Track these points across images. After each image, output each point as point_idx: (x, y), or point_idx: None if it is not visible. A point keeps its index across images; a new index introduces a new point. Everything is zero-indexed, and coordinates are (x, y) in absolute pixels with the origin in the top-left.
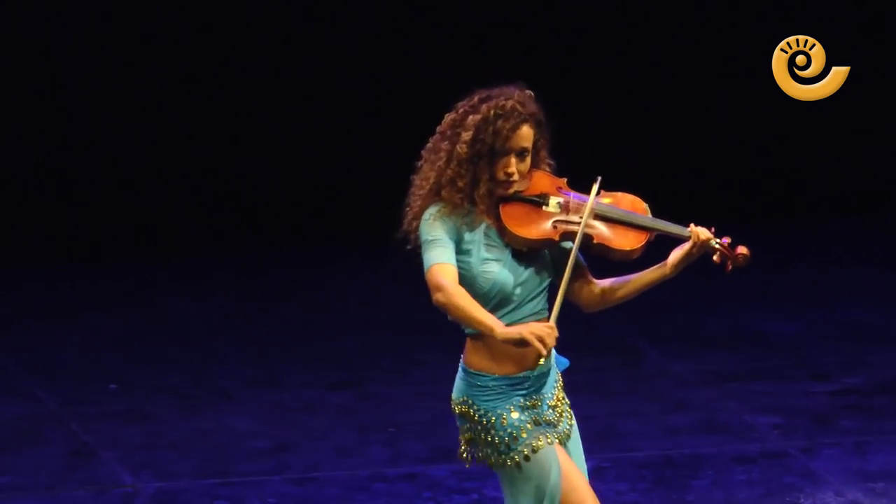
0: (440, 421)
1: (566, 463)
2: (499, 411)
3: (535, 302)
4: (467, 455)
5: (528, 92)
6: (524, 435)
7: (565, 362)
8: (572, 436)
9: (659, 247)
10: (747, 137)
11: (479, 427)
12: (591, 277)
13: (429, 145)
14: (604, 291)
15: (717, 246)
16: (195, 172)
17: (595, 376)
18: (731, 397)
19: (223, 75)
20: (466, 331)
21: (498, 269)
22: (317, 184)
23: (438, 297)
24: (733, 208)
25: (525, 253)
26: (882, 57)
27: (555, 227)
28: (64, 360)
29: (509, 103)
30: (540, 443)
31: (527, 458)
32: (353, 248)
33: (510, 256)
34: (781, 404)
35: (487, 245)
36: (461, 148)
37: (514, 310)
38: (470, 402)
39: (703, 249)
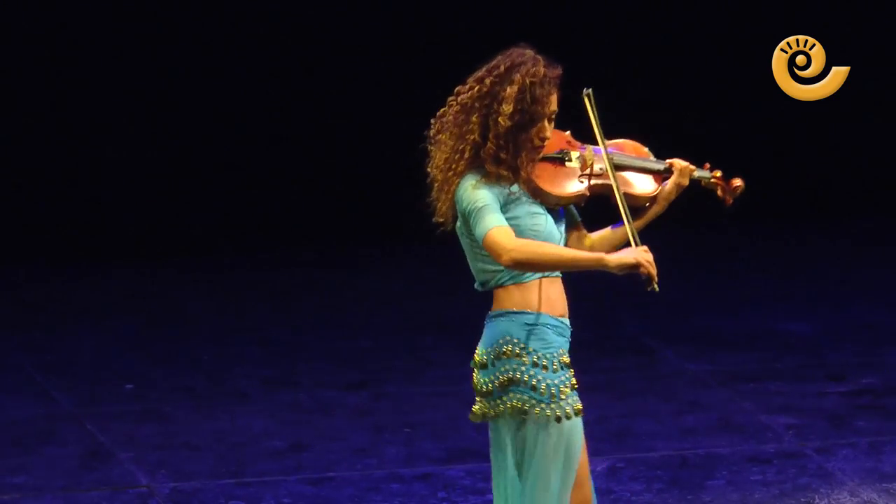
0: (455, 421)
1: (584, 445)
2: (551, 351)
3: None
4: (487, 410)
5: (536, 55)
6: (568, 391)
7: None
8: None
9: None
10: (762, 137)
11: (527, 367)
12: (584, 230)
13: (447, 118)
14: (599, 240)
15: (715, 181)
16: (212, 172)
17: (610, 376)
18: (747, 398)
19: (238, 73)
20: (501, 281)
21: (545, 222)
22: (333, 183)
23: (513, 255)
24: (749, 209)
25: (550, 209)
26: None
27: (582, 182)
28: (79, 360)
29: (541, 70)
30: (580, 406)
31: (568, 416)
32: (369, 248)
33: (546, 210)
34: (797, 405)
35: (530, 202)
36: (503, 121)
37: None
38: (514, 339)
39: (686, 178)
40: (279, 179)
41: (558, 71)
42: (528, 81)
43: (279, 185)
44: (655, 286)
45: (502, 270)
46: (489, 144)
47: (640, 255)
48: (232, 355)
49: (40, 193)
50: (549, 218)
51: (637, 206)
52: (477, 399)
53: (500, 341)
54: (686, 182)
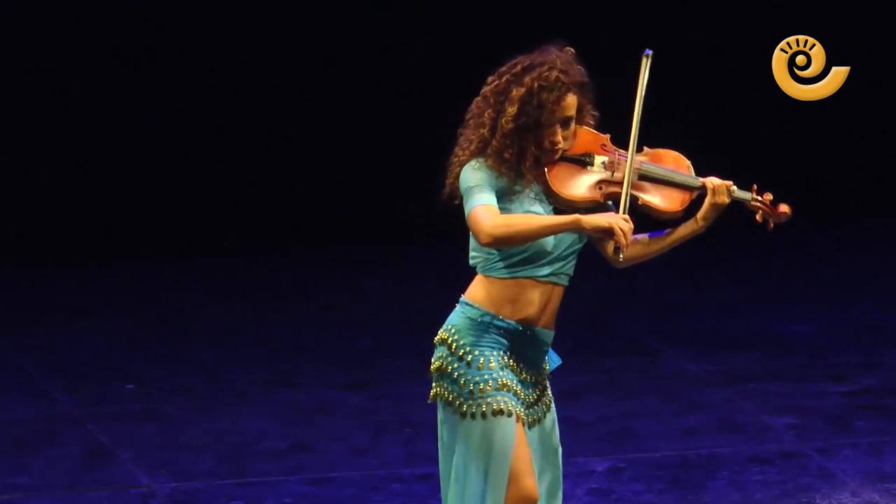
0: None
1: (521, 444)
2: (477, 351)
3: (561, 263)
4: (435, 390)
5: (569, 50)
6: (489, 391)
7: (557, 361)
8: (547, 420)
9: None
10: (762, 137)
11: (453, 359)
12: None
13: (472, 107)
14: (637, 245)
15: (758, 204)
16: (213, 172)
17: (612, 377)
18: (748, 398)
19: (238, 72)
20: (479, 268)
21: None
22: (334, 183)
23: (490, 232)
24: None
25: (563, 210)
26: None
27: (599, 189)
28: (80, 361)
29: (553, 74)
30: (503, 407)
31: (484, 415)
32: (370, 248)
33: (552, 213)
34: (798, 405)
35: (532, 199)
36: (506, 122)
37: (539, 266)
38: (455, 332)
39: (729, 199)
40: (280, 179)
41: (577, 77)
42: (536, 85)
43: (280, 185)
44: (622, 255)
45: (488, 258)
46: (495, 142)
47: (616, 219)
48: (233, 355)
49: (40, 194)
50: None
51: (659, 220)
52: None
53: (445, 327)
54: (725, 201)
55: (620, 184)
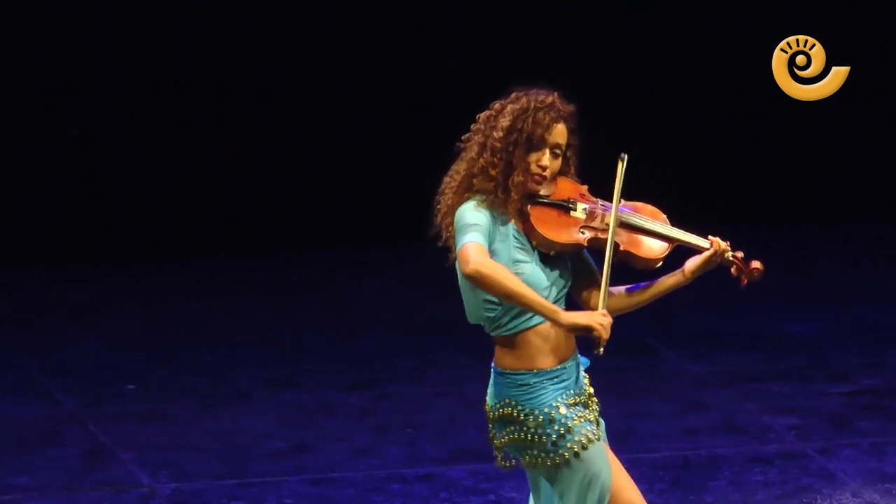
0: (458, 422)
1: (614, 461)
2: (545, 409)
3: (556, 305)
4: (505, 461)
5: (557, 93)
6: (573, 430)
7: (586, 361)
8: (604, 434)
9: (673, 255)
10: (766, 139)
11: (526, 427)
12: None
13: (462, 144)
14: (618, 298)
15: (732, 259)
16: (215, 173)
17: (613, 377)
18: (749, 398)
19: (240, 72)
20: (494, 333)
21: (530, 270)
22: (336, 184)
23: (480, 269)
24: (752, 210)
25: (549, 257)
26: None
27: (583, 233)
28: (82, 361)
29: (549, 98)
30: (590, 439)
31: (576, 454)
32: (372, 249)
33: (538, 259)
34: (799, 405)
35: (517, 247)
36: (497, 135)
37: (530, 313)
38: (513, 402)
39: (721, 260)
40: (282, 180)
41: (570, 108)
42: (532, 104)
43: (282, 185)
44: (601, 350)
45: (490, 318)
46: (482, 159)
47: (595, 318)
48: (234, 356)
49: (43, 195)
50: (536, 268)
51: (636, 267)
52: (494, 450)
53: (500, 404)
54: (716, 264)
55: (603, 230)
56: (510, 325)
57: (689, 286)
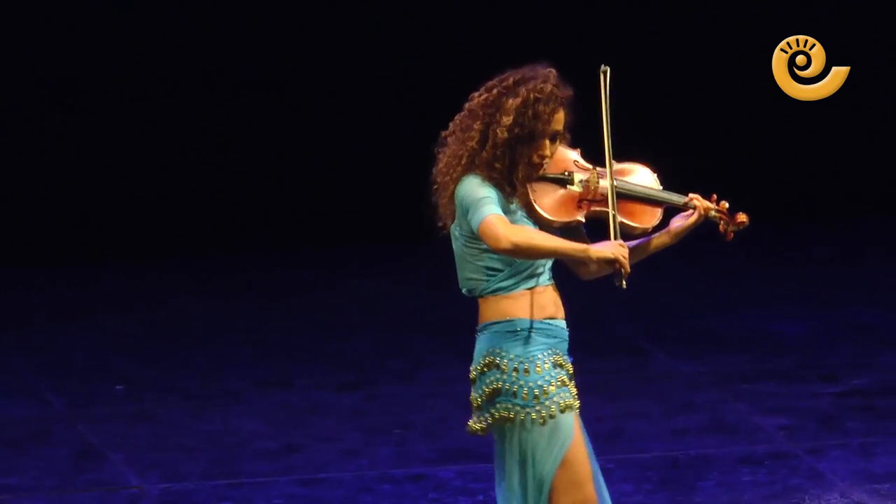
0: (447, 422)
1: (581, 446)
2: (529, 357)
3: (549, 273)
4: (479, 424)
5: (553, 71)
6: (553, 390)
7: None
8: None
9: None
10: (753, 139)
11: (507, 375)
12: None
13: (456, 121)
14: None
15: (717, 214)
16: (205, 174)
17: (602, 377)
18: (738, 398)
19: (232, 74)
20: (487, 294)
21: None
22: (326, 186)
23: (512, 239)
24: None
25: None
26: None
27: (580, 208)
28: (72, 362)
29: (548, 87)
30: (569, 405)
31: (552, 415)
32: (363, 250)
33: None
34: (788, 405)
35: (524, 217)
36: (501, 132)
37: (539, 274)
38: (500, 351)
39: (707, 218)
40: (272, 181)
41: (568, 92)
42: (532, 96)
43: (272, 186)
44: (623, 283)
45: (487, 279)
46: (485, 153)
47: (617, 249)
48: (224, 356)
49: (33, 196)
50: None
51: (631, 234)
52: (473, 414)
53: (485, 354)
54: (699, 223)
55: (600, 202)
56: (507, 287)
57: (680, 283)
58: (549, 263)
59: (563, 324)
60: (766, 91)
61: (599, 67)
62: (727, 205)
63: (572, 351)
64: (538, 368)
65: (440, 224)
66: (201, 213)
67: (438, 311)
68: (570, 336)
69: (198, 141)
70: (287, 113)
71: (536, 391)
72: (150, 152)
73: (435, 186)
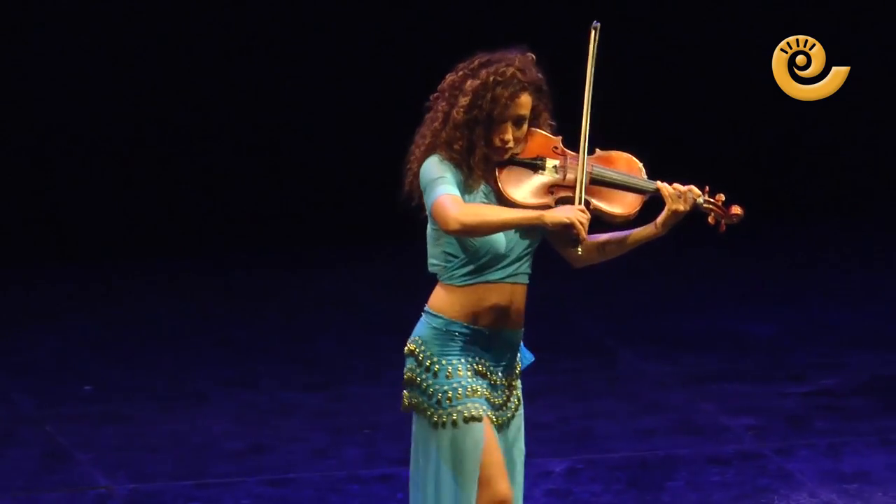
0: None
1: (493, 448)
2: (444, 360)
3: (518, 264)
4: (404, 400)
5: (530, 56)
6: (460, 398)
7: (530, 358)
8: (512, 425)
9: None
10: (727, 139)
11: (421, 371)
12: None
13: (429, 104)
14: (594, 248)
15: (709, 206)
16: (172, 174)
17: (570, 377)
18: (706, 399)
19: (211, 77)
20: (439, 276)
21: None
22: (294, 186)
23: (460, 219)
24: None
25: None
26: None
27: (550, 193)
28: (39, 362)
29: (509, 70)
30: (474, 416)
31: (455, 423)
32: (329, 249)
33: None
34: (756, 405)
35: (483, 199)
36: (458, 112)
37: (498, 269)
38: (421, 343)
39: (689, 207)
40: (238, 181)
41: (533, 78)
42: (491, 79)
43: (239, 186)
44: (580, 249)
45: (445, 265)
46: (444, 133)
47: (574, 213)
48: (192, 357)
49: (2, 196)
50: None
51: (611, 224)
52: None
53: (413, 339)
54: (684, 208)
55: (572, 188)
56: (462, 277)
57: (648, 283)
58: (526, 260)
59: (509, 332)
60: (741, 88)
61: (592, 24)
62: (723, 197)
63: (538, 351)
64: (448, 374)
65: (414, 204)
66: (168, 213)
67: (405, 310)
68: (535, 336)
69: (162, 142)
70: (251, 113)
71: (440, 395)
72: (115, 153)
73: (408, 167)
